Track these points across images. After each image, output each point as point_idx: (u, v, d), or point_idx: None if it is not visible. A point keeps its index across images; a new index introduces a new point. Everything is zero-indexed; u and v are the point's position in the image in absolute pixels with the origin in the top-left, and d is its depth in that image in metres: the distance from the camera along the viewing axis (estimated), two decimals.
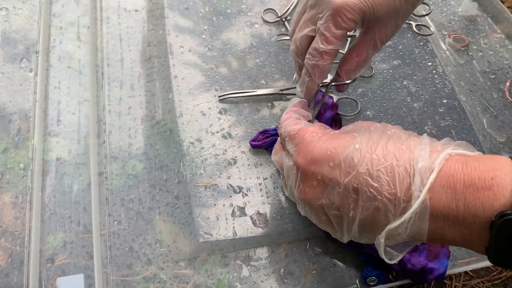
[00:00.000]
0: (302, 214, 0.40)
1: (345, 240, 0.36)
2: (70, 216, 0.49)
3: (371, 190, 0.30)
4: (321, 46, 0.41)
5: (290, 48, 0.47)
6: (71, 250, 0.47)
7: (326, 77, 0.46)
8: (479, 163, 0.29)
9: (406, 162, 0.30)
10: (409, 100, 0.58)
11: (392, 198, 0.30)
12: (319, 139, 0.34)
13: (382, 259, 0.44)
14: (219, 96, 0.56)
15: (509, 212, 0.26)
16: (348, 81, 0.45)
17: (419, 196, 0.29)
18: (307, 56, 0.43)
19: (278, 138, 0.44)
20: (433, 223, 0.30)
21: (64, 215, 0.49)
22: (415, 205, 0.29)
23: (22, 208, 0.49)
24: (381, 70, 0.60)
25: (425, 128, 0.56)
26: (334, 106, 0.53)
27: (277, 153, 0.43)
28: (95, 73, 0.58)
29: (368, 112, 0.57)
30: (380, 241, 0.32)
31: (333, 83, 0.46)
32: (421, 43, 0.63)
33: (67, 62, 0.59)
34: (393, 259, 0.34)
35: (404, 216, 0.29)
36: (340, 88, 0.47)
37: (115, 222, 0.49)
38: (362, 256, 0.47)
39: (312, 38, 0.43)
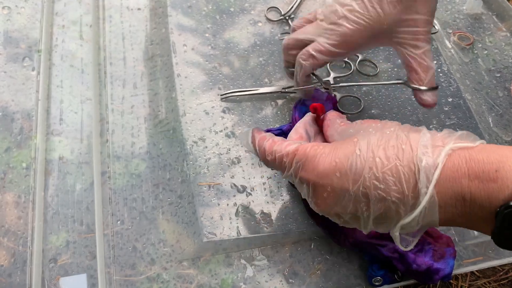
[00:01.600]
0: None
1: (365, 232, 0.37)
2: (73, 215, 0.49)
3: (380, 192, 0.31)
4: (313, 52, 0.45)
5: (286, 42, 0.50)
6: (74, 250, 0.47)
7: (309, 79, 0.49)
8: (482, 155, 0.29)
9: (409, 161, 0.30)
10: (414, 99, 0.57)
11: (401, 197, 0.31)
12: (322, 152, 0.35)
13: (387, 260, 0.44)
14: (221, 95, 0.56)
15: None
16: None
17: (426, 193, 0.29)
18: (300, 54, 0.47)
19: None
20: (442, 214, 0.31)
21: (67, 214, 0.49)
22: (424, 202, 0.30)
23: (24, 208, 0.49)
24: (386, 69, 0.60)
25: (430, 127, 0.55)
26: (330, 99, 0.53)
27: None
28: (98, 72, 0.58)
29: (373, 111, 0.56)
30: (395, 235, 0.33)
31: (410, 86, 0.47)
32: None
33: (69, 61, 0.59)
34: (409, 246, 0.35)
35: (414, 212, 0.30)
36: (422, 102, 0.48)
37: (118, 222, 0.48)
38: (367, 256, 0.47)
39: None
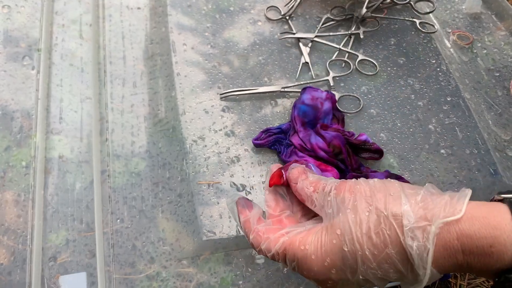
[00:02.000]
0: None
1: None
2: (73, 214, 0.49)
3: (380, 277, 0.32)
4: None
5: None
6: (74, 248, 0.47)
7: None
8: (473, 229, 0.29)
9: (399, 247, 0.30)
10: (413, 98, 0.58)
11: (401, 276, 0.31)
12: (311, 253, 0.34)
13: None
14: (221, 94, 0.56)
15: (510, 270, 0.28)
16: None
17: (425, 273, 0.30)
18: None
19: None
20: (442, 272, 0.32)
21: (67, 213, 0.49)
22: (425, 280, 0.30)
23: (24, 206, 0.49)
24: (385, 68, 0.60)
25: (430, 126, 0.56)
26: (329, 98, 0.53)
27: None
28: (98, 70, 0.58)
29: (372, 110, 0.56)
30: None
31: None
32: (425, 41, 0.63)
33: (69, 60, 0.59)
34: None
35: (421, 286, 0.31)
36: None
37: (118, 220, 0.49)
38: None
39: None
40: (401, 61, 0.61)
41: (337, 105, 0.55)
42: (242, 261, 0.47)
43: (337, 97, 0.55)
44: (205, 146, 0.53)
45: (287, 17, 0.63)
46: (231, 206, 0.41)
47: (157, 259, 0.46)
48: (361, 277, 0.32)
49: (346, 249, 0.32)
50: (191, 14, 0.63)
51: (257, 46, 0.61)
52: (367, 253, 0.31)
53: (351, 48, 0.61)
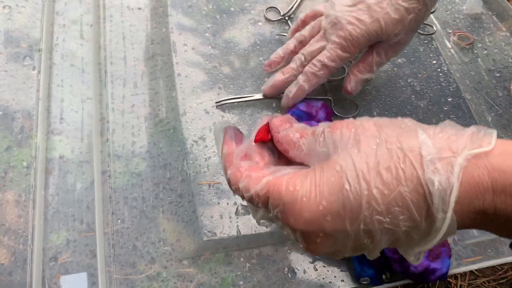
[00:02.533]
0: None
1: (371, 258, 0.31)
2: (73, 214, 0.49)
3: (386, 226, 0.26)
4: (325, 60, 0.49)
5: (289, 46, 0.54)
6: (74, 249, 0.47)
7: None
8: (507, 163, 0.24)
9: (416, 184, 0.25)
10: (413, 99, 0.58)
11: (413, 224, 0.26)
12: (302, 195, 0.28)
13: (375, 260, 0.40)
14: (216, 102, 0.55)
15: None
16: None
17: (444, 218, 0.25)
18: (310, 65, 0.50)
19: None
20: (461, 228, 0.26)
21: (67, 213, 0.49)
22: (444, 229, 0.25)
23: (25, 207, 0.49)
24: (386, 69, 0.60)
25: None
26: (324, 108, 0.53)
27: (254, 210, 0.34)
28: (98, 71, 0.58)
29: (372, 110, 0.56)
30: (409, 259, 0.29)
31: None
32: (426, 41, 0.63)
33: (70, 60, 0.59)
34: (420, 259, 0.30)
35: (434, 240, 0.26)
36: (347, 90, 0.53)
37: (119, 221, 0.49)
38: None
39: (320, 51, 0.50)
40: (402, 62, 0.61)
41: (334, 110, 0.55)
42: (242, 262, 0.47)
43: (332, 101, 0.55)
44: (206, 146, 0.53)
45: (287, 18, 0.63)
46: (217, 133, 0.36)
47: (157, 260, 0.46)
48: (362, 227, 0.26)
49: (347, 188, 0.26)
50: (192, 14, 0.63)
51: (258, 47, 0.61)
52: (374, 192, 0.25)
53: None
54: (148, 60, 0.59)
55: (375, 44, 0.49)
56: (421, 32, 0.63)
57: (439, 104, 0.57)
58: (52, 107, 0.55)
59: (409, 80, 0.59)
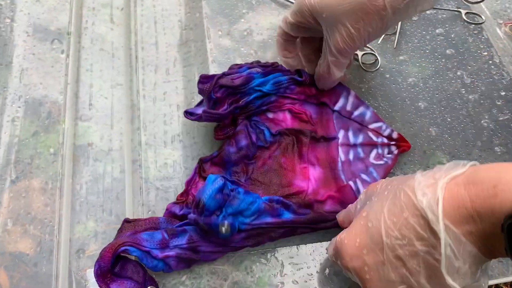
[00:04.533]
0: None
1: None
2: (102, 205, 0.46)
3: (406, 248, 0.31)
4: (280, 23, 0.48)
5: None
6: (103, 241, 0.44)
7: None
8: (478, 176, 0.29)
9: (413, 208, 0.31)
10: (463, 92, 0.54)
11: (425, 243, 0.30)
12: (344, 237, 0.37)
13: None
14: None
15: None
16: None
17: (439, 230, 0.29)
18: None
19: None
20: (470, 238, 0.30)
21: (96, 203, 0.46)
22: (442, 236, 0.29)
23: (52, 195, 0.46)
24: (433, 59, 0.56)
25: (482, 122, 0.52)
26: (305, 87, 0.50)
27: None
28: (129, 56, 0.56)
29: (420, 104, 0.53)
30: (453, 285, 0.31)
31: None
32: (475, 32, 0.59)
33: (99, 44, 0.56)
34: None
35: (441, 249, 0.30)
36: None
37: (149, 212, 0.46)
38: None
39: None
40: (450, 53, 0.57)
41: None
42: (280, 261, 0.44)
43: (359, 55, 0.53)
44: None
45: None
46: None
47: None
48: (390, 253, 0.32)
49: (370, 225, 0.34)
50: None
51: None
52: (388, 223, 0.32)
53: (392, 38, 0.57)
54: (181, 46, 0.57)
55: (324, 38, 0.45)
56: (469, 21, 0.59)
57: (492, 98, 0.53)
58: (81, 92, 0.53)
59: (458, 73, 0.55)
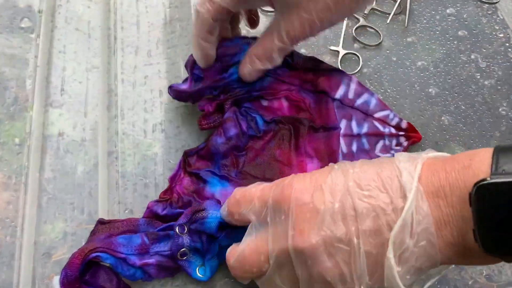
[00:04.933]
0: None
1: None
2: (73, 202, 0.41)
3: (366, 200, 0.29)
4: None
5: None
6: (72, 243, 0.39)
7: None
8: (457, 156, 0.29)
9: (390, 169, 0.30)
10: (478, 77, 0.48)
11: (388, 201, 0.29)
12: (298, 177, 0.33)
13: None
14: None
15: (485, 179, 0.25)
16: None
17: (411, 189, 0.28)
18: None
19: None
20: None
21: (66, 200, 0.41)
22: (411, 196, 0.28)
23: (15, 191, 0.41)
24: (444, 41, 0.51)
25: (500, 109, 0.47)
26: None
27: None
28: (107, 37, 0.50)
29: (430, 89, 0.47)
30: (390, 262, 0.28)
31: None
32: (489, 12, 0.53)
33: (74, 23, 0.51)
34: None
35: (403, 214, 0.28)
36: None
37: (126, 211, 0.41)
38: None
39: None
40: (462, 34, 0.51)
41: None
42: None
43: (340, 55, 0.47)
44: None
45: None
46: None
47: None
48: (348, 200, 0.29)
49: (337, 168, 0.32)
50: None
51: None
52: (358, 171, 0.31)
53: (401, 16, 0.52)
54: (165, 25, 0.51)
55: (275, 19, 0.39)
56: (483, 0, 0.54)
57: (510, 84, 0.48)
58: (52, 76, 0.47)
59: (472, 56, 0.50)
